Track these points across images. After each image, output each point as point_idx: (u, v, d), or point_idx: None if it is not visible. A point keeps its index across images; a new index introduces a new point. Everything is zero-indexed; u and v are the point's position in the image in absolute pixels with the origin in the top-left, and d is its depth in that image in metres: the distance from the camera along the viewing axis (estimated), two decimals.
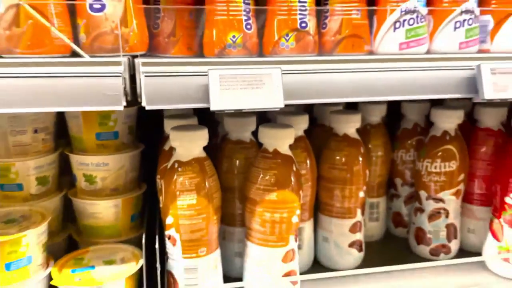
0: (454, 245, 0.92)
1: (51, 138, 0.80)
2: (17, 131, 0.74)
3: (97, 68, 0.58)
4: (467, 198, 0.94)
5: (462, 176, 0.88)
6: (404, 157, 0.99)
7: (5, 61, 0.57)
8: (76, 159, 0.79)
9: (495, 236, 0.86)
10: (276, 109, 0.60)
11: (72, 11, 0.63)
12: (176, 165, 0.69)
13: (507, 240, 0.84)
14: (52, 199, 0.80)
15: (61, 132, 0.84)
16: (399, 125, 1.02)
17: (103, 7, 0.61)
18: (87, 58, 0.60)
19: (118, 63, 0.58)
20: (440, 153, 0.88)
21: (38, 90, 0.57)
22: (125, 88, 0.59)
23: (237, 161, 0.80)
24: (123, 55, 0.60)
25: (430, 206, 0.91)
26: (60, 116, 0.82)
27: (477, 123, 0.93)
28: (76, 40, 0.63)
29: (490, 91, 0.66)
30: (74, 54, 0.63)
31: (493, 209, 0.87)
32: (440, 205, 0.90)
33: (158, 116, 0.88)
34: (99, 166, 0.78)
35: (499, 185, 0.85)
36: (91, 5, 0.61)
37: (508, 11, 0.73)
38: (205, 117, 0.91)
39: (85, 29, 0.62)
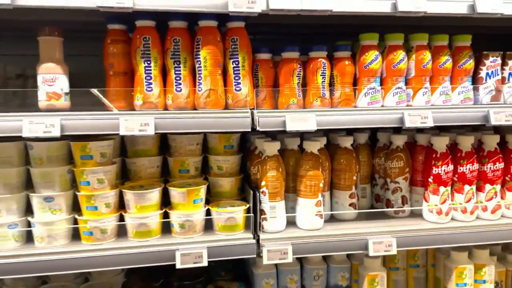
0: (406, 208, 1.70)
1: (201, 148, 1.64)
2: (189, 143, 1.58)
3: (239, 114, 1.41)
4: (414, 183, 1.73)
5: (407, 169, 1.68)
6: (379, 162, 1.80)
7: (200, 111, 1.41)
8: (213, 158, 1.62)
9: (426, 200, 1.64)
10: (312, 131, 1.43)
11: (225, 91, 1.48)
12: (266, 158, 1.51)
13: (431, 201, 1.62)
14: (200, 178, 1.62)
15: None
16: (376, 145, 1.83)
17: (240, 89, 1.46)
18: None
19: (247, 112, 1.42)
20: (395, 157, 1.68)
21: (212, 123, 1.41)
22: (250, 122, 1.42)
23: (291, 159, 1.61)
24: (249, 109, 1.44)
25: (392, 186, 1.70)
26: (204, 137, 1.66)
27: (416, 142, 1.74)
28: (226, 104, 1.48)
29: (408, 123, 1.48)
30: (226, 107, 1.48)
31: (425, 186, 1.66)
32: (397, 185, 1.69)
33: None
34: (225, 161, 1.61)
35: (425, 173, 1.64)
36: (235, 88, 1.46)
37: (418, 87, 1.57)
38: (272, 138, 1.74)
39: (232, 99, 1.47)
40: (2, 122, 1.27)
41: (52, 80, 1.34)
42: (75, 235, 1.44)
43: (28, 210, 1.42)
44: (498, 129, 1.77)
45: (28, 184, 1.43)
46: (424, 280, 1.87)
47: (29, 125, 1.26)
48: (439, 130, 1.82)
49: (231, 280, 1.74)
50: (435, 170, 1.59)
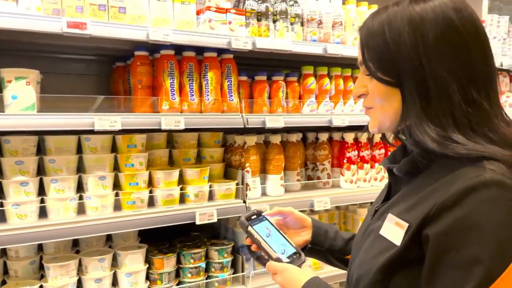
0: (330, 180, 2.55)
1: (197, 143, 2.24)
2: (191, 139, 2.17)
3: (235, 116, 2.08)
4: (333, 165, 2.60)
5: (330, 156, 2.54)
6: (309, 153, 2.62)
7: (211, 114, 2.04)
8: (207, 150, 2.23)
9: (342, 174, 2.52)
10: (280, 128, 2.18)
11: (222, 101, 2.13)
12: (248, 147, 2.19)
13: (346, 175, 2.50)
14: (198, 165, 2.21)
15: None
16: (307, 141, 2.66)
17: (233, 100, 2.13)
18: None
19: (239, 115, 2.10)
20: (322, 148, 2.53)
21: (218, 122, 2.05)
22: (242, 121, 2.10)
23: (260, 149, 2.33)
24: (240, 113, 2.12)
25: (321, 167, 2.54)
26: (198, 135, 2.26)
27: (332, 138, 2.63)
28: (222, 110, 2.13)
29: (335, 123, 2.34)
30: (223, 112, 2.12)
31: (341, 166, 2.53)
32: (324, 166, 2.54)
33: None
34: (215, 152, 2.23)
35: (341, 157, 2.52)
36: (229, 99, 2.13)
37: (337, 101, 2.46)
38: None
39: (226, 106, 2.12)
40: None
41: None
42: (116, 207, 1.89)
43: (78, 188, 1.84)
44: None
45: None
46: None
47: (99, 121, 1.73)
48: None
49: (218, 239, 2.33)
50: (348, 155, 2.48)
